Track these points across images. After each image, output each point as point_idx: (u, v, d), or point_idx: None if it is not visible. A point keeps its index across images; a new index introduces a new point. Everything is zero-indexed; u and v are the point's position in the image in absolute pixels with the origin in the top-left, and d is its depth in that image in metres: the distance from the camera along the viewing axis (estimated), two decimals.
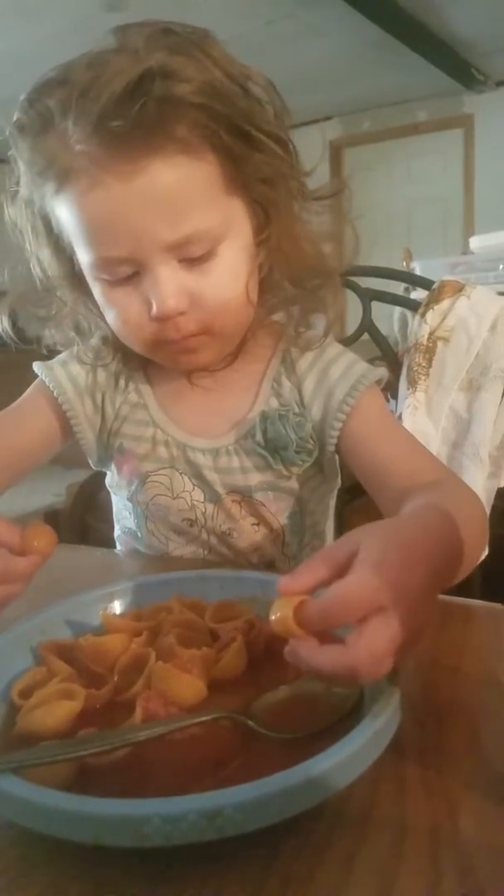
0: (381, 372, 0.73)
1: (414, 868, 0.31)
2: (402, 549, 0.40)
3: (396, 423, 0.79)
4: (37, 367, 0.76)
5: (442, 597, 0.59)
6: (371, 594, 0.36)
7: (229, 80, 0.58)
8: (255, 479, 0.71)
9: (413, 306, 1.11)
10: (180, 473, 0.72)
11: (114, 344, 0.73)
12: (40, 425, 0.75)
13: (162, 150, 0.56)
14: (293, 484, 0.73)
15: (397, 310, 1.17)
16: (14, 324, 0.74)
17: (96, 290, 0.65)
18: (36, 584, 0.53)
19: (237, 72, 0.59)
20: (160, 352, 0.67)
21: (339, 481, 0.81)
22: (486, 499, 1.08)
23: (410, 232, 5.22)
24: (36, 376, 0.76)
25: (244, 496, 0.72)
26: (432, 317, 1.05)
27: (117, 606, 0.54)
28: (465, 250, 3.01)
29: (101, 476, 0.81)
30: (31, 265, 0.68)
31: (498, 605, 0.57)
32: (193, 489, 0.72)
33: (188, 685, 0.42)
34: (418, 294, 1.25)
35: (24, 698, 0.42)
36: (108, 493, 0.82)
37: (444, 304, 1.05)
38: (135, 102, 0.53)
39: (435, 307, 1.05)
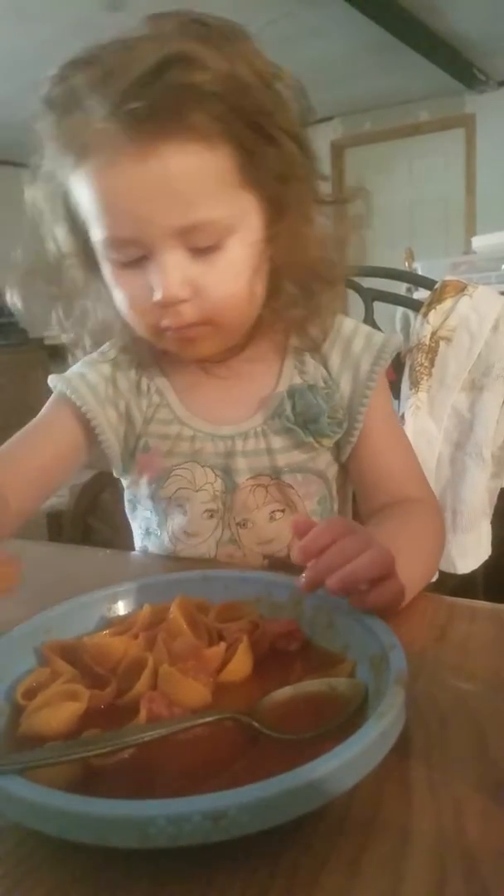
0: (398, 339, 0.75)
1: (419, 870, 0.31)
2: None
3: (397, 422, 0.82)
4: (53, 379, 0.76)
5: (446, 598, 0.60)
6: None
7: (253, 74, 0.59)
8: (284, 459, 0.72)
9: (415, 306, 1.11)
10: (202, 466, 0.73)
11: (124, 332, 0.73)
12: (66, 438, 0.75)
13: (176, 136, 0.57)
14: (321, 465, 0.74)
15: (399, 310, 1.17)
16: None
17: (106, 270, 0.66)
18: (39, 585, 0.53)
19: (264, 68, 0.60)
20: (163, 339, 0.67)
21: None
22: (489, 499, 1.08)
23: (412, 232, 5.22)
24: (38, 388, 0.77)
25: (272, 478, 0.72)
26: (434, 316, 1.05)
27: (121, 607, 0.54)
28: (467, 250, 3.01)
29: (103, 477, 0.81)
30: (46, 241, 0.69)
31: (502, 606, 0.57)
32: (216, 480, 0.73)
33: (193, 692, 0.42)
34: (420, 294, 1.25)
35: (28, 699, 0.42)
36: (110, 494, 0.82)
37: (447, 303, 1.05)
38: (153, 86, 0.54)
39: (437, 307, 1.05)
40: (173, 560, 0.75)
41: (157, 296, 0.61)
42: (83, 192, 0.61)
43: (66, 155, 0.60)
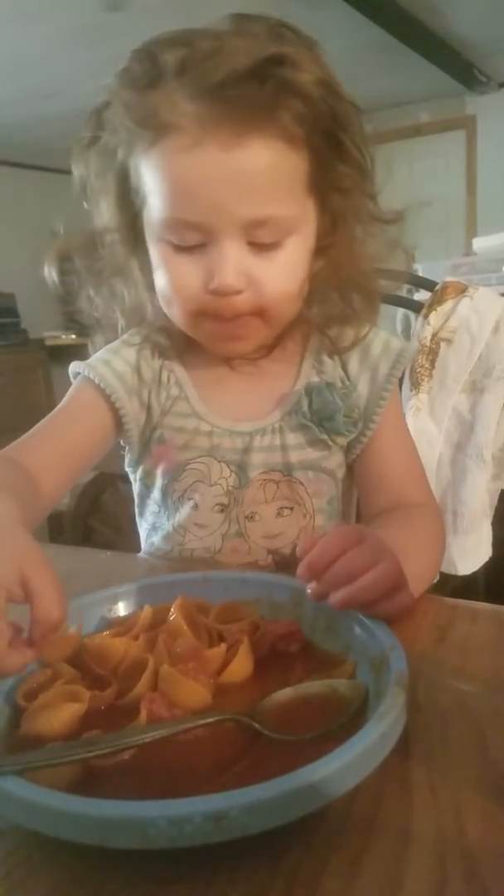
0: (415, 347, 0.75)
1: (419, 871, 0.31)
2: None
3: (406, 427, 0.83)
4: (77, 366, 0.75)
5: (447, 599, 0.60)
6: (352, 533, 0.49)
7: (336, 84, 0.61)
8: (297, 456, 0.73)
9: (416, 307, 1.11)
10: (218, 461, 0.73)
11: (154, 318, 0.73)
12: (93, 424, 0.75)
13: (265, 130, 0.58)
14: (332, 465, 0.75)
15: (400, 311, 1.17)
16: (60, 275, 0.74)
17: (156, 251, 0.66)
18: None
19: (337, 83, 0.62)
20: (201, 329, 0.68)
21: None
22: (490, 500, 1.08)
23: (413, 233, 5.22)
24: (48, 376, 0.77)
25: (284, 475, 0.73)
26: (435, 318, 1.05)
27: (121, 608, 0.54)
28: (468, 251, 3.01)
29: (104, 478, 0.81)
30: (92, 215, 0.69)
31: (502, 607, 0.57)
32: (230, 475, 0.73)
33: (194, 693, 0.42)
34: (421, 295, 1.25)
35: (28, 700, 0.42)
36: (111, 495, 0.82)
37: (447, 305, 1.05)
38: (255, 79, 0.56)
39: (438, 308, 1.05)
40: (174, 561, 0.75)
41: (214, 283, 0.62)
42: (152, 170, 0.61)
43: (143, 130, 0.60)
